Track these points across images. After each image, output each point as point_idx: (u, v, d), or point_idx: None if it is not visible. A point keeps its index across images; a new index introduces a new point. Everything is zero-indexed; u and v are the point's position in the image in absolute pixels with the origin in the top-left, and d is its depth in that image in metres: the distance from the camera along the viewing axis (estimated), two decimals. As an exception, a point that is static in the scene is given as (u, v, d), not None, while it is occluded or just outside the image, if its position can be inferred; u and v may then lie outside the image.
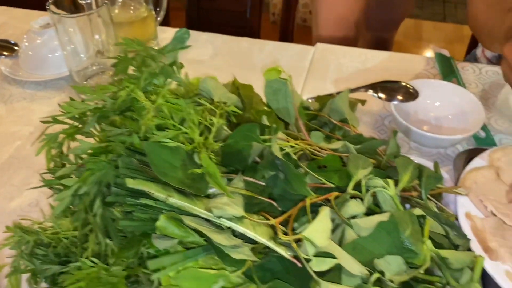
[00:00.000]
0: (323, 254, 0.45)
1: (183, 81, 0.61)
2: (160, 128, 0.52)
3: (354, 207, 0.53)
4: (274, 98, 0.69)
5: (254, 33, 1.73)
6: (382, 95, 0.83)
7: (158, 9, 1.10)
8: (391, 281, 0.48)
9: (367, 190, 0.56)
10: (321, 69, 1.02)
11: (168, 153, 0.50)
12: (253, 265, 0.48)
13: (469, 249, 0.62)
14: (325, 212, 0.47)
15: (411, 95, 0.82)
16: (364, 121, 0.88)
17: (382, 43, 1.76)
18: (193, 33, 1.13)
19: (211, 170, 0.49)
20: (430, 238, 0.57)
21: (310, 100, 0.84)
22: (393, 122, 0.86)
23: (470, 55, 1.26)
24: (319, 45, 1.09)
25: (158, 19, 1.09)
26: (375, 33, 1.74)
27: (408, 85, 0.83)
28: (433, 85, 0.84)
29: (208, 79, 0.63)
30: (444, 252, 0.53)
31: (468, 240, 0.62)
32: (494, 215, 0.67)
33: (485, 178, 0.72)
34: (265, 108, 0.71)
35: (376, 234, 0.50)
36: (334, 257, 0.45)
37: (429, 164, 0.74)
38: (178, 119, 0.51)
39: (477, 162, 0.74)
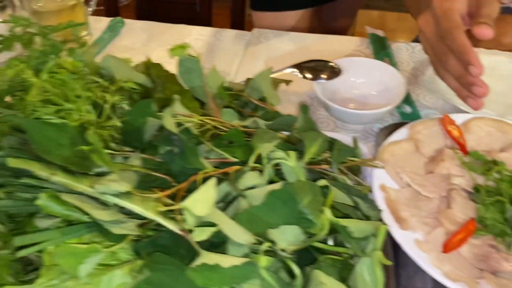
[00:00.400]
0: (207, 224, 0.45)
1: (84, 59, 0.59)
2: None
3: (251, 179, 0.52)
4: (188, 77, 0.68)
5: (205, 24, 1.72)
6: (308, 75, 0.83)
7: (90, -2, 1.08)
8: (283, 250, 0.48)
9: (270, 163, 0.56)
10: (257, 53, 1.02)
11: (53, 131, 0.48)
12: (141, 241, 0.47)
13: (381, 220, 0.62)
14: (209, 183, 0.46)
15: (335, 73, 0.82)
16: (293, 101, 0.88)
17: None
18: (129, 22, 1.11)
19: (97, 147, 0.48)
20: (335, 208, 0.57)
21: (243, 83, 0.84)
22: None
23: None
24: (255, 30, 1.09)
25: (90, 9, 1.07)
26: (327, 25, 1.74)
27: (332, 64, 0.82)
28: (358, 62, 0.84)
29: (111, 57, 0.61)
30: (343, 221, 0.53)
31: (380, 210, 0.62)
32: (410, 186, 0.67)
33: (403, 151, 0.72)
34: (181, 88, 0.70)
35: (270, 204, 0.50)
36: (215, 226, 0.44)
37: (351, 140, 0.74)
38: (64, 95, 0.49)
39: (397, 135, 0.74)
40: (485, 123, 0.77)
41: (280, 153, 0.55)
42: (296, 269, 0.49)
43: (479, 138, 0.76)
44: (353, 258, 0.56)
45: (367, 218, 0.61)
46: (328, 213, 0.52)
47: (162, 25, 1.11)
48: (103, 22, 1.11)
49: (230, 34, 1.08)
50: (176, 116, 0.55)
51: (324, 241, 0.56)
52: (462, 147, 0.73)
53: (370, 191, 0.66)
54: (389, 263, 0.53)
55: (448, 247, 0.59)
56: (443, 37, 0.67)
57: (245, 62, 0.99)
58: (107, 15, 1.16)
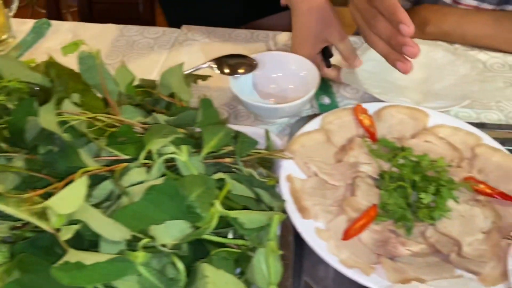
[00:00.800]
0: (76, 222, 0.44)
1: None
2: None
3: (137, 175, 0.51)
4: (89, 75, 0.67)
5: (148, 25, 1.70)
6: (226, 70, 0.82)
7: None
8: (164, 246, 0.47)
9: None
10: (184, 49, 1.01)
11: None
12: (18, 243, 0.46)
13: (284, 210, 0.62)
14: (79, 181, 0.45)
15: (252, 67, 0.82)
16: (215, 97, 0.87)
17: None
18: (56, 23, 1.09)
19: (-33, 148, 0.46)
20: (232, 201, 0.56)
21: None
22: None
23: None
24: (184, 27, 1.08)
25: (11, 13, 1.04)
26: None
27: (249, 58, 0.82)
28: (275, 56, 0.84)
29: (1, 58, 0.59)
30: (234, 213, 0.53)
31: (283, 201, 0.63)
32: (317, 175, 0.68)
33: (314, 141, 0.72)
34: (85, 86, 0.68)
35: (154, 199, 0.49)
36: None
37: (271, 136, 0.74)
38: None
39: (309, 126, 0.74)
40: (397, 111, 0.78)
41: (171, 148, 0.54)
42: (179, 264, 0.48)
43: (391, 126, 0.77)
44: (254, 250, 0.56)
45: (270, 209, 0.61)
46: (218, 206, 0.52)
47: (89, 25, 1.09)
48: (28, 24, 1.08)
49: (158, 31, 1.07)
50: (62, 114, 0.54)
51: (222, 234, 0.56)
52: (372, 136, 0.73)
53: (278, 182, 0.66)
54: (279, 252, 0.52)
55: (348, 234, 0.60)
56: (371, 0, 0.68)
57: (171, 59, 0.98)
58: (49, 18, 1.13)
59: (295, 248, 0.61)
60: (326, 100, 0.85)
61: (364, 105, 0.78)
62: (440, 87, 0.86)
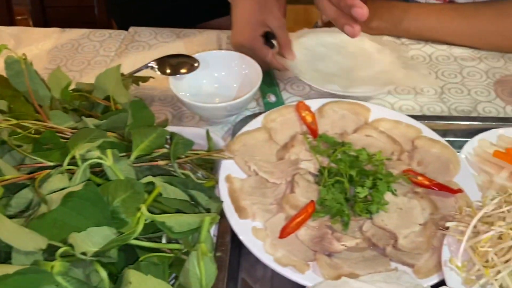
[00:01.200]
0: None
1: None
2: None
3: (58, 182, 0.50)
4: (18, 80, 0.65)
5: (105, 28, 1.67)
6: (168, 70, 0.81)
7: None
8: (84, 254, 0.46)
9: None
10: (131, 51, 0.99)
11: None
12: None
13: (222, 211, 0.62)
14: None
15: (194, 67, 0.80)
16: (161, 98, 0.86)
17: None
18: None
19: None
20: (163, 204, 0.55)
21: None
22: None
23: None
24: (131, 28, 1.06)
25: None
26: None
27: (191, 58, 0.81)
28: (218, 56, 0.83)
29: None
30: (161, 217, 0.51)
31: (221, 202, 0.62)
32: (258, 174, 0.67)
33: (255, 140, 0.72)
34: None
35: (75, 206, 0.48)
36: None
37: (214, 136, 0.73)
38: None
39: (251, 125, 0.74)
40: (339, 107, 0.78)
41: (95, 153, 0.53)
42: (102, 272, 0.47)
43: (333, 122, 0.77)
44: (188, 254, 0.55)
45: (207, 211, 0.60)
46: (144, 210, 0.51)
47: (32, 30, 1.06)
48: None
49: (104, 34, 1.04)
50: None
51: (155, 239, 0.55)
52: (314, 132, 0.73)
53: (217, 183, 0.65)
54: (210, 254, 0.51)
55: (285, 231, 0.59)
56: None
57: (118, 61, 0.96)
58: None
59: (233, 249, 0.60)
60: (272, 98, 0.85)
61: (307, 102, 0.78)
62: (366, 74, 0.87)
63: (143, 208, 0.51)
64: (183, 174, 0.62)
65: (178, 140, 0.62)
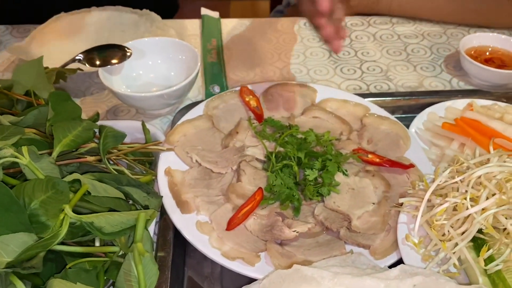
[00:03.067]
0: None
1: None
2: None
3: (-39, 186, 0.43)
4: None
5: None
6: (97, 62, 0.74)
7: None
8: (-5, 265, 0.39)
9: (1, 164, 0.47)
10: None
11: None
12: None
13: (163, 207, 0.56)
14: None
15: (125, 56, 0.74)
16: (94, 93, 0.79)
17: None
18: None
19: None
20: (92, 204, 0.49)
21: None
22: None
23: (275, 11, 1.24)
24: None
25: None
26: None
27: (123, 47, 0.75)
28: (153, 43, 0.77)
29: None
30: (88, 217, 0.46)
31: (160, 197, 0.56)
32: (201, 165, 0.62)
33: (197, 129, 0.67)
34: None
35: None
36: None
37: (152, 129, 0.67)
38: None
39: (192, 113, 0.69)
40: (284, 89, 0.74)
41: (7, 151, 0.46)
42: (19, 284, 0.41)
43: (279, 105, 0.73)
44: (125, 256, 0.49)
45: (145, 208, 0.55)
46: (68, 211, 0.45)
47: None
48: None
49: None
50: None
51: (87, 243, 0.49)
52: (259, 117, 0.69)
53: (155, 177, 0.60)
54: (146, 254, 0.46)
55: (232, 223, 0.55)
56: None
57: None
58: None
59: (177, 247, 0.55)
60: (216, 89, 0.80)
61: (251, 86, 0.74)
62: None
63: (67, 209, 0.45)
64: (116, 170, 0.56)
65: (108, 133, 0.57)
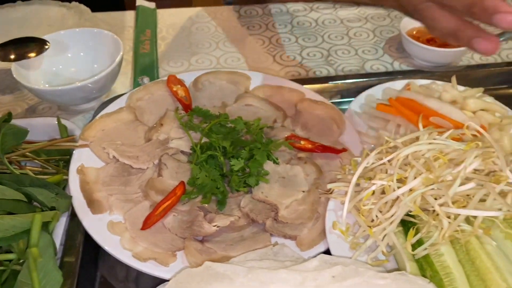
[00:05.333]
0: None
1: None
2: None
3: None
4: None
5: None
6: (12, 56, 0.69)
7: None
8: None
9: None
10: None
11: None
12: None
13: (73, 208, 0.51)
14: None
15: (43, 49, 0.69)
16: (9, 91, 0.74)
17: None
18: None
19: None
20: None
21: None
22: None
23: None
24: None
25: None
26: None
27: (40, 40, 0.69)
28: (72, 35, 0.72)
29: None
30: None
31: (69, 197, 0.51)
32: (119, 161, 0.58)
33: (117, 123, 0.62)
34: None
35: None
36: None
37: (69, 125, 0.62)
38: None
39: (112, 107, 0.63)
40: (216, 77, 0.70)
41: None
42: None
43: (210, 94, 0.68)
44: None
45: (52, 209, 0.50)
46: None
47: None
48: None
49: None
50: None
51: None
52: (187, 107, 0.65)
53: (66, 176, 0.55)
54: (39, 258, 0.41)
55: (148, 221, 0.50)
56: None
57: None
58: None
59: (89, 250, 0.50)
60: (146, 80, 0.75)
61: (180, 76, 0.69)
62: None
63: None
64: (19, 170, 0.51)
65: (7, 131, 0.51)
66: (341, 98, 0.73)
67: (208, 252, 0.48)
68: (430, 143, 0.49)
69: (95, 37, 0.71)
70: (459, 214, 0.43)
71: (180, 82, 0.68)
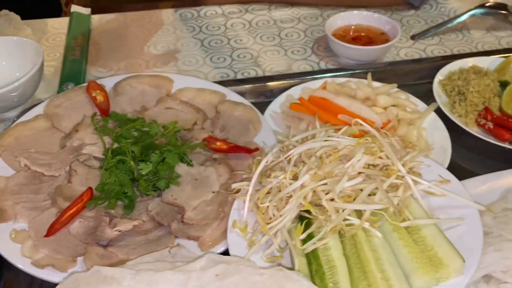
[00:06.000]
0: None
1: None
2: None
3: None
4: None
5: None
6: None
7: None
8: None
9: None
10: None
11: None
12: None
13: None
14: None
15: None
16: None
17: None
18: None
19: None
20: None
21: None
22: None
23: None
24: None
25: None
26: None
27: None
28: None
29: None
30: None
31: (-28, 208, 0.51)
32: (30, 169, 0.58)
33: (32, 131, 0.62)
34: None
35: None
36: None
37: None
38: None
39: (29, 115, 0.63)
40: (138, 81, 0.70)
41: None
42: None
43: (132, 98, 0.69)
44: None
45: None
46: None
47: None
48: None
49: None
50: None
51: None
52: (104, 112, 0.65)
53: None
54: None
55: (53, 228, 0.50)
56: None
57: None
58: None
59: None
60: (70, 87, 0.74)
61: (102, 81, 0.70)
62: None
63: None
64: None
65: None
66: (266, 98, 0.74)
67: (109, 256, 0.48)
68: (325, 140, 0.50)
69: (16, 45, 0.71)
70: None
71: (100, 87, 0.68)
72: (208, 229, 0.51)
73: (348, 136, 0.52)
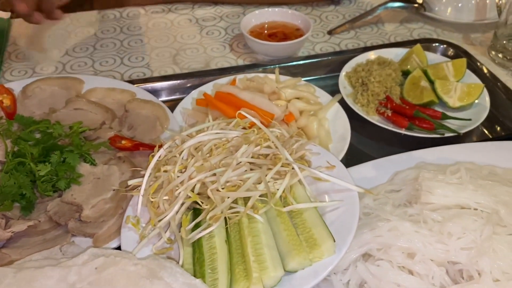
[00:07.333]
0: None
1: None
2: None
3: None
4: None
5: None
6: None
7: None
8: None
9: None
10: None
11: None
12: None
13: None
14: None
15: None
16: None
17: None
18: None
19: None
20: None
21: None
22: None
23: None
24: None
25: None
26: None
27: None
28: None
29: None
30: None
31: None
32: None
33: None
34: None
35: None
36: None
37: None
38: None
39: None
40: (47, 84, 0.70)
41: None
42: None
43: (41, 100, 0.68)
44: None
45: None
46: None
47: None
48: None
49: None
50: None
51: None
52: (10, 115, 0.64)
53: None
54: None
55: None
56: None
57: None
58: None
59: None
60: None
61: (9, 84, 0.69)
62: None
63: None
64: None
65: None
66: (181, 95, 0.75)
67: (2, 258, 0.48)
68: (216, 133, 0.52)
69: None
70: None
71: (7, 91, 0.67)
72: (105, 226, 0.52)
73: (243, 128, 0.54)
